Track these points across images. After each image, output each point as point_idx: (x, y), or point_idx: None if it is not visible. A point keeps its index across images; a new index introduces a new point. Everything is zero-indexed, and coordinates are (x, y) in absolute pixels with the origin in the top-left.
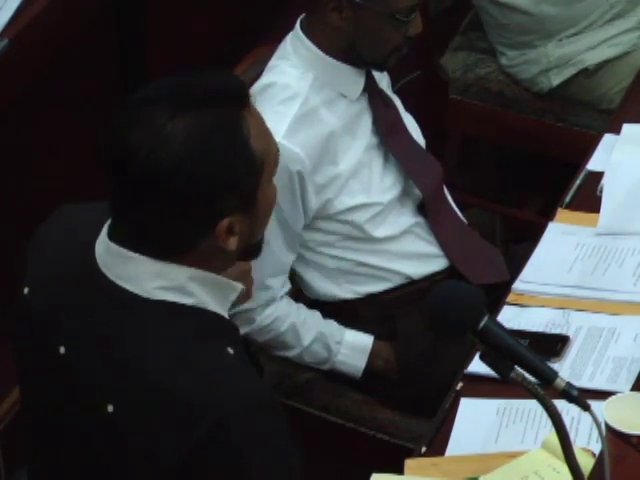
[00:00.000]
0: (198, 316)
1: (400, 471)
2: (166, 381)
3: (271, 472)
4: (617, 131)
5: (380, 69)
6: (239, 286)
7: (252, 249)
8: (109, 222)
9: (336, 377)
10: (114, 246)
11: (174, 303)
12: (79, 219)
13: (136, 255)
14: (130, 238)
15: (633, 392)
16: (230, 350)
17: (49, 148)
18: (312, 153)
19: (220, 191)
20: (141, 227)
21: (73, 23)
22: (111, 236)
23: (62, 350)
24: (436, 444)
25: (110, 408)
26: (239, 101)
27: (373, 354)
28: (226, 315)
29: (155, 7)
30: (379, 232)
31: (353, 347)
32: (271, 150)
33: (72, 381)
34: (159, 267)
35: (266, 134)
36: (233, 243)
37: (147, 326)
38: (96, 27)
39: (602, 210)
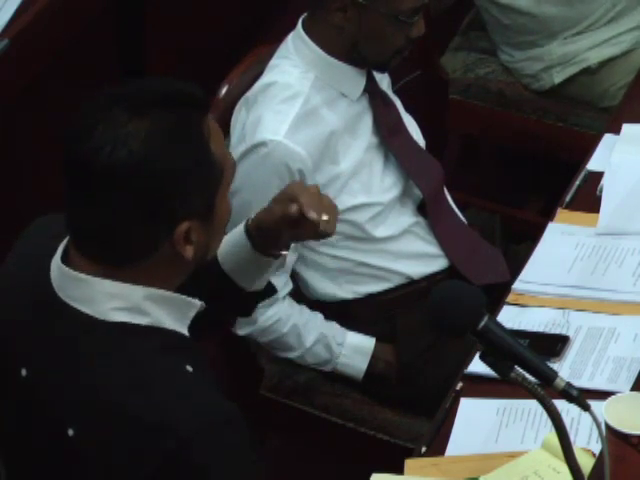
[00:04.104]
0: (154, 335)
1: (400, 471)
2: (122, 405)
3: None
4: (617, 131)
5: (382, 70)
6: (197, 303)
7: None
8: (64, 242)
9: (336, 377)
10: (66, 269)
11: (130, 324)
12: (56, 229)
13: (89, 277)
14: (86, 245)
15: (633, 392)
16: (189, 368)
17: (49, 148)
18: (313, 152)
19: (181, 190)
20: (98, 231)
21: (73, 23)
22: (64, 258)
23: (24, 372)
24: (436, 444)
25: (70, 432)
26: (201, 107)
27: (375, 356)
28: (185, 332)
29: (155, 7)
30: (379, 232)
31: (355, 349)
32: (228, 161)
33: (34, 405)
34: (113, 287)
35: (223, 145)
36: (190, 251)
37: (103, 349)
38: (96, 27)
39: (602, 210)
